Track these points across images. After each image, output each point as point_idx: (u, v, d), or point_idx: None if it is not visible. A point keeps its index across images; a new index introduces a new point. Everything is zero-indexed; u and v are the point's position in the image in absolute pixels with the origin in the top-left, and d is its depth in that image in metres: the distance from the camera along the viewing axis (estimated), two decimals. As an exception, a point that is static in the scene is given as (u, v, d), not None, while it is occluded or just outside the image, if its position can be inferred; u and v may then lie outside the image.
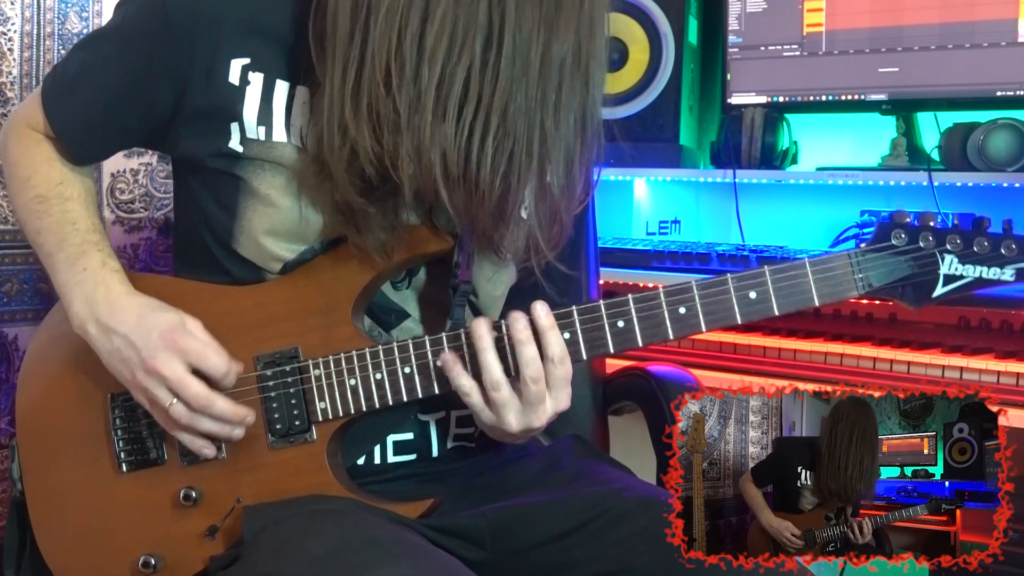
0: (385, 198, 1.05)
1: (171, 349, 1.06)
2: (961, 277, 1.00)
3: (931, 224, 1.01)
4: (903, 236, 1.01)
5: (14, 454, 1.22)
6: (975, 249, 0.99)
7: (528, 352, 1.01)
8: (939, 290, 1.00)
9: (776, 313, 1.02)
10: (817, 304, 1.02)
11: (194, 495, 1.11)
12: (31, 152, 1.20)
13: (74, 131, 1.18)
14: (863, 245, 1.03)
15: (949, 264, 1.00)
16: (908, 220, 1.02)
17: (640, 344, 1.04)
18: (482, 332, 1.02)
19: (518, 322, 1.02)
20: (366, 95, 1.00)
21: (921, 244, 1.00)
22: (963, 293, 1.01)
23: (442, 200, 1.01)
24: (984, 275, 0.99)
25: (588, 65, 1.03)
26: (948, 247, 1.00)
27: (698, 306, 1.03)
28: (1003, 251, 0.99)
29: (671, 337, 1.04)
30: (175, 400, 1.06)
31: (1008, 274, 0.99)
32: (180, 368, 1.06)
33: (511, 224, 1.06)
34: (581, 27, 1.01)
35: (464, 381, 1.03)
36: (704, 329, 1.03)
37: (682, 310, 1.03)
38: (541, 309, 1.02)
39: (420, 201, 1.08)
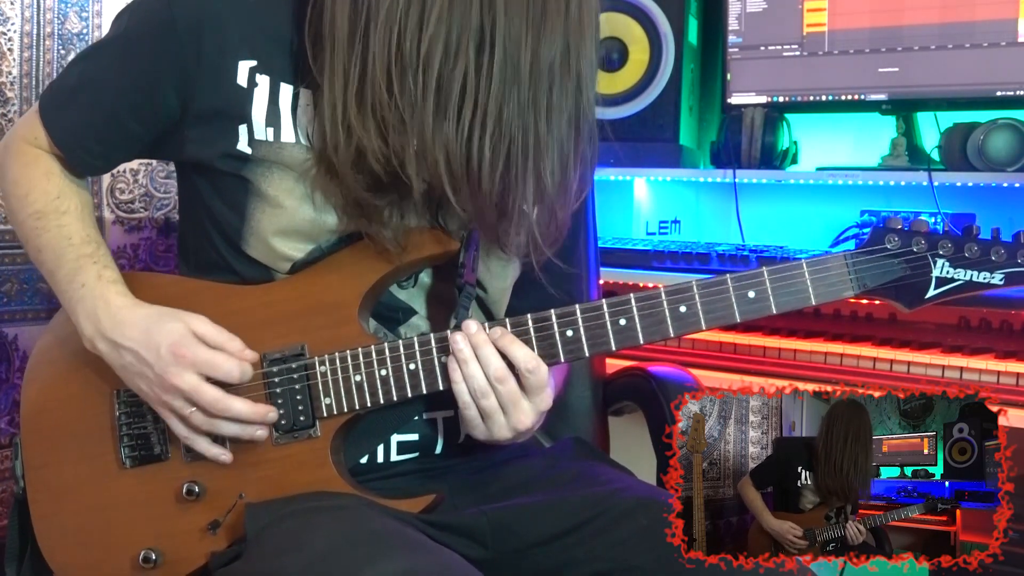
0: (393, 193, 1.07)
1: (180, 364, 1.06)
2: (953, 280, 1.03)
3: (923, 229, 1.04)
4: (896, 240, 1.04)
5: (17, 452, 1.22)
6: (966, 254, 1.03)
7: (470, 369, 1.04)
8: (931, 292, 1.03)
9: (774, 312, 1.05)
10: (814, 303, 1.05)
11: (197, 490, 1.12)
12: (29, 168, 1.19)
13: (76, 141, 1.18)
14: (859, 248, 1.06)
15: (941, 267, 1.03)
16: (901, 225, 1.05)
17: (641, 341, 1.06)
18: (461, 346, 1.04)
19: (461, 340, 1.05)
20: (370, 98, 1.01)
21: (914, 248, 1.03)
22: (955, 296, 1.04)
23: (448, 197, 1.03)
24: (974, 278, 1.02)
25: (579, 67, 1.04)
26: (940, 251, 1.03)
27: (698, 305, 1.05)
28: (992, 256, 1.02)
29: (672, 335, 1.06)
30: (193, 409, 1.07)
31: (998, 278, 1.02)
32: (194, 378, 1.07)
33: (513, 218, 1.07)
34: (569, 29, 1.02)
35: (466, 396, 1.05)
36: (704, 327, 1.06)
37: (683, 309, 1.05)
38: (498, 326, 1.06)
39: (429, 199, 1.10)
